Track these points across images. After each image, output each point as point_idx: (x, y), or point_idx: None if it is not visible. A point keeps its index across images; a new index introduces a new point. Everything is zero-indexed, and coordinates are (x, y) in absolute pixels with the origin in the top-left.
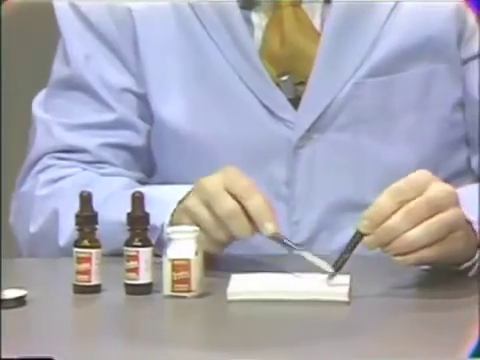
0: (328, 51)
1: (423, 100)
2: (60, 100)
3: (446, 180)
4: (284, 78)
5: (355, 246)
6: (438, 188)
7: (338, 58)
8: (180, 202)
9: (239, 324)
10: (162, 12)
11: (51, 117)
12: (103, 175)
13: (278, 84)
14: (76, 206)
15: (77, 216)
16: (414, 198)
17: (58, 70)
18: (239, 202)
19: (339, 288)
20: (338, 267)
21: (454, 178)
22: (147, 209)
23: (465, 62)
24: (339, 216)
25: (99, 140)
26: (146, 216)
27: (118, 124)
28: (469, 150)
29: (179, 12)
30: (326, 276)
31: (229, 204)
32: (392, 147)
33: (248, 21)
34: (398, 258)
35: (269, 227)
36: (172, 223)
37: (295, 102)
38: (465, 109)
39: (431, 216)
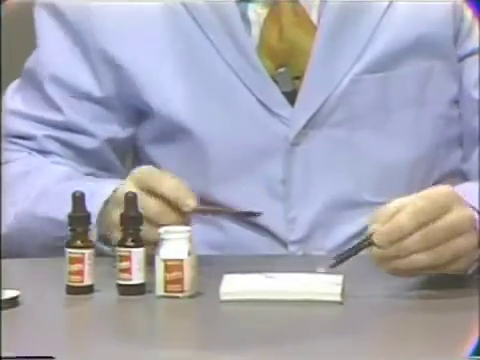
0: (324, 46)
1: (419, 97)
2: (21, 89)
3: (442, 178)
4: (281, 70)
5: (361, 249)
6: (459, 213)
7: (334, 54)
8: (107, 202)
9: (232, 324)
10: (153, 12)
11: (12, 103)
12: (50, 162)
13: (275, 79)
14: (12, 192)
15: (70, 216)
16: (435, 220)
17: (29, 59)
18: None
19: (332, 288)
20: (338, 262)
21: (449, 177)
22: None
23: (462, 59)
24: (335, 213)
25: (46, 132)
26: (139, 216)
27: (67, 126)
28: (463, 150)
29: (171, 11)
30: (319, 276)
31: (152, 205)
32: (388, 143)
33: (245, 18)
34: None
35: (190, 203)
36: (99, 223)
37: (292, 97)
38: (460, 106)
39: (445, 241)
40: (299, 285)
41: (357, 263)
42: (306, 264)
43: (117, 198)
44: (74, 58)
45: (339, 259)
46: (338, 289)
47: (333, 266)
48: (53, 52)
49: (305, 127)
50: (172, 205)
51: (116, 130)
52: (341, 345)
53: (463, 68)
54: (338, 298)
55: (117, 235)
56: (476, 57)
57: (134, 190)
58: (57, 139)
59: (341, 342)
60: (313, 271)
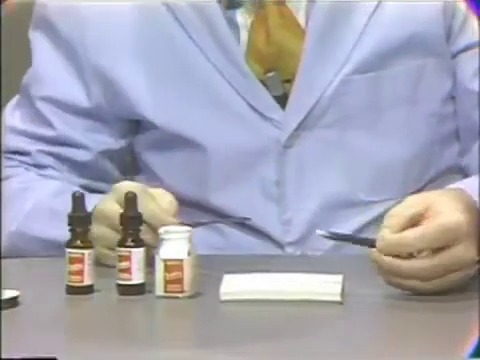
0: (313, 48)
1: (412, 95)
2: (19, 106)
3: (438, 176)
4: (270, 74)
5: (363, 244)
6: (468, 250)
7: (324, 55)
8: None
9: (232, 324)
10: (136, 16)
11: (11, 119)
12: (44, 176)
13: (265, 83)
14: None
15: (70, 216)
16: (440, 251)
17: (25, 76)
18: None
19: (332, 288)
20: (333, 237)
21: (446, 174)
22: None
23: (455, 55)
24: (331, 214)
25: (39, 147)
26: (139, 216)
27: (59, 140)
28: (460, 146)
29: (155, 14)
30: (318, 276)
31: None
32: (382, 143)
33: (233, 22)
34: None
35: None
36: None
37: (282, 100)
38: (456, 102)
39: (441, 276)
40: (299, 285)
41: (357, 263)
42: (305, 264)
43: (95, 214)
44: (66, 73)
45: (336, 236)
46: (338, 289)
47: (328, 237)
48: (46, 67)
49: (297, 129)
50: (151, 226)
51: (109, 142)
52: (340, 345)
53: (457, 64)
54: (338, 298)
55: (99, 250)
56: (471, 52)
57: (116, 207)
58: (51, 153)
59: (340, 341)
60: (312, 271)
